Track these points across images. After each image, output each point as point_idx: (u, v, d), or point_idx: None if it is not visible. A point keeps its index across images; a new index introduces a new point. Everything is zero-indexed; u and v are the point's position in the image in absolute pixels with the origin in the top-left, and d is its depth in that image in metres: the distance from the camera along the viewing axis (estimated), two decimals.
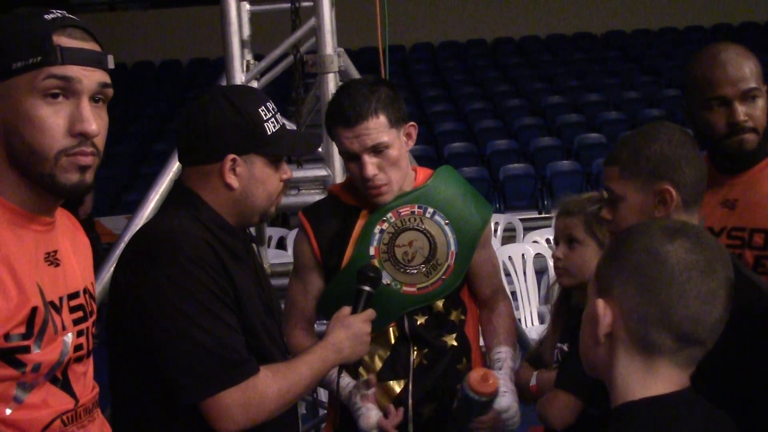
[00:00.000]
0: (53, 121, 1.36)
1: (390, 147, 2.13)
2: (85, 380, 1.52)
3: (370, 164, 2.12)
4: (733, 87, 2.06)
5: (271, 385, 1.70)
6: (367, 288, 2.02)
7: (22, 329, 1.34)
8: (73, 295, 1.50)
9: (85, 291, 1.54)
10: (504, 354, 2.30)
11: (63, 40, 1.37)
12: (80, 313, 1.50)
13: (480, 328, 2.41)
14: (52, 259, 1.46)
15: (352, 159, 2.15)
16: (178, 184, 1.86)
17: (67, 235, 1.55)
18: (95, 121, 1.39)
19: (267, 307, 1.87)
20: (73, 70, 1.37)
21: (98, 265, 3.35)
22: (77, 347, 1.48)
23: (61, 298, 1.46)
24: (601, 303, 1.25)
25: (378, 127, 2.10)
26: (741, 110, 2.05)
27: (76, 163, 1.39)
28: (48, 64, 1.35)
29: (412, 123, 2.21)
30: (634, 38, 14.77)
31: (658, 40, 14.39)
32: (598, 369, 1.30)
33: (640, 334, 1.22)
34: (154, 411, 1.72)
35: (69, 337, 1.45)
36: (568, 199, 2.23)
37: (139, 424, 1.75)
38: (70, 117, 1.37)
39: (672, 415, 1.20)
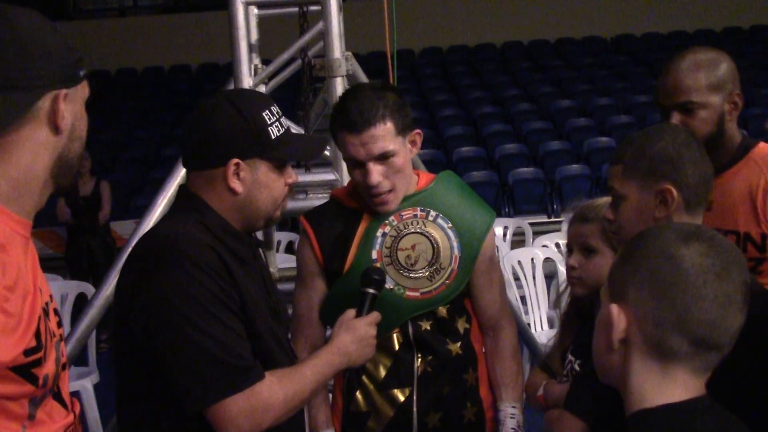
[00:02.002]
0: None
1: (396, 155, 2.11)
2: (67, 386, 1.50)
3: (375, 172, 2.10)
4: (668, 98, 2.12)
5: (276, 391, 1.68)
6: (371, 290, 2.00)
7: (34, 342, 1.33)
8: (51, 299, 1.47)
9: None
10: (502, 414, 2.30)
11: None
12: (57, 318, 1.48)
13: (485, 359, 2.37)
14: (34, 265, 1.44)
15: (356, 165, 2.13)
16: (183, 189, 1.84)
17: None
18: None
19: (274, 312, 1.85)
20: None
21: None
22: (62, 353, 1.46)
23: (47, 303, 1.43)
24: (615, 308, 1.24)
25: (385, 135, 2.08)
26: (676, 120, 2.09)
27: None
28: (86, 76, 1.44)
29: (417, 130, 2.19)
30: (644, 42, 14.73)
31: (668, 44, 14.33)
32: (611, 376, 1.28)
33: (656, 339, 1.20)
34: (161, 417, 1.71)
35: (57, 344, 1.43)
36: (583, 205, 2.15)
37: (145, 430, 1.74)
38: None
39: (689, 423, 1.19)
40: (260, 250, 1.96)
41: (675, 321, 1.19)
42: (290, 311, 2.29)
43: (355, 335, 1.89)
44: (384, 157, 2.10)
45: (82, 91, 1.42)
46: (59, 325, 1.49)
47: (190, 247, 1.66)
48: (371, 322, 1.94)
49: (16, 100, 1.31)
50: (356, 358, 1.90)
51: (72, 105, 1.38)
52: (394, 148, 2.10)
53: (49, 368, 1.37)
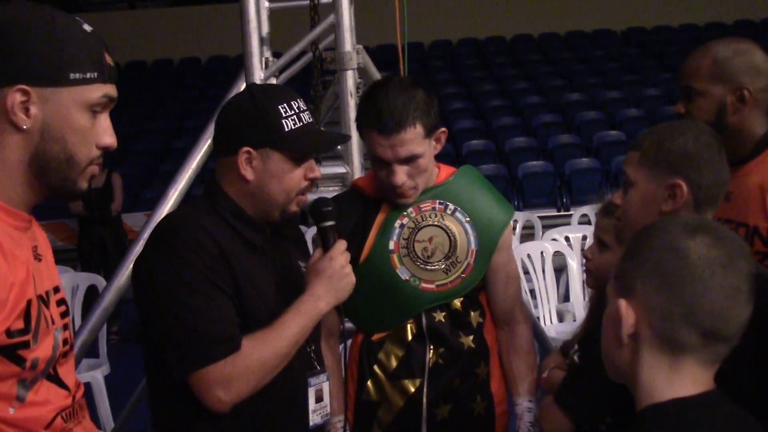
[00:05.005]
0: (92, 133, 1.44)
1: (422, 156, 2.11)
2: (71, 372, 1.53)
3: (401, 172, 2.11)
4: (679, 80, 2.13)
5: (252, 356, 1.73)
6: (329, 223, 1.93)
7: (21, 324, 1.35)
8: (56, 289, 1.51)
9: (61, 287, 1.56)
10: (519, 408, 2.31)
11: (107, 58, 1.44)
12: (64, 307, 1.52)
13: (500, 353, 2.37)
14: (36, 253, 1.47)
15: (382, 164, 2.13)
16: (209, 175, 1.96)
17: (38, 231, 1.55)
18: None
19: (285, 300, 1.86)
20: (114, 90, 1.45)
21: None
22: (64, 341, 1.49)
23: (47, 292, 1.46)
24: (623, 303, 1.24)
25: (414, 138, 2.07)
26: (680, 104, 2.11)
27: (91, 172, 1.47)
28: (101, 81, 1.42)
29: (443, 129, 2.18)
30: (654, 35, 14.67)
31: (679, 37, 14.27)
32: (621, 371, 1.28)
33: (666, 332, 1.21)
34: (173, 388, 1.78)
35: (58, 331, 1.46)
36: (611, 197, 2.13)
37: (166, 402, 1.85)
38: (97, 129, 1.45)
39: (700, 417, 1.19)
40: (285, 240, 1.98)
41: (683, 313, 1.19)
42: None
43: (326, 274, 1.85)
44: (410, 160, 2.10)
45: (76, 95, 1.39)
46: (64, 315, 1.51)
47: (181, 226, 1.77)
48: (336, 254, 1.88)
49: None
50: (337, 294, 1.86)
51: (47, 105, 1.36)
52: (421, 151, 2.10)
53: (41, 352, 1.39)
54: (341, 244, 1.90)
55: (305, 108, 1.87)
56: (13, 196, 1.40)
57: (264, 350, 1.75)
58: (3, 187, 1.38)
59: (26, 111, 1.36)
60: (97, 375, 4.67)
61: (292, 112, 1.83)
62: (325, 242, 1.90)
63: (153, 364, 1.84)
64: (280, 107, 1.82)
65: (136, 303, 1.81)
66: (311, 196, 2.01)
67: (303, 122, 1.85)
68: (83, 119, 1.41)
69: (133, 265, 1.86)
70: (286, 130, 1.81)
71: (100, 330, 4.22)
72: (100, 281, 5.05)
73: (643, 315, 1.22)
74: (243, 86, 3.05)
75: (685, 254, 1.20)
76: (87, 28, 1.43)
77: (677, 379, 1.21)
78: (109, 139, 1.46)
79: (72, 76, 1.37)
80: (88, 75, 1.39)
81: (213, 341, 1.71)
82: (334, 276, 1.85)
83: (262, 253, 1.86)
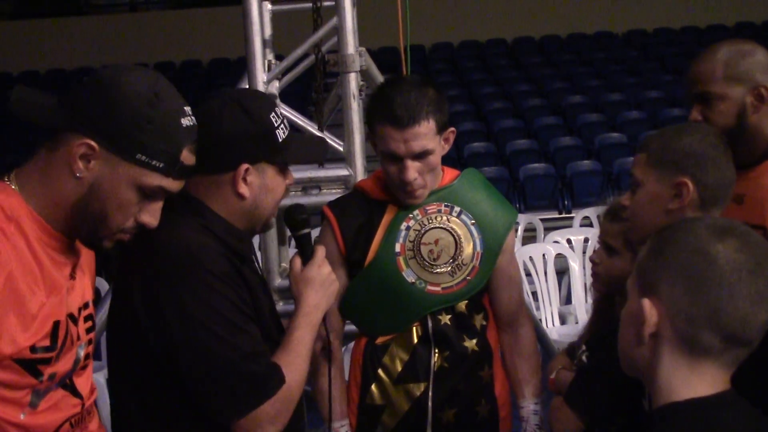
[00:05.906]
0: (134, 209, 1.48)
1: (433, 153, 2.11)
2: (88, 381, 1.58)
3: (413, 168, 2.10)
4: (689, 87, 2.11)
5: (292, 385, 1.68)
6: (305, 231, 1.91)
7: (47, 342, 1.40)
8: (86, 305, 1.55)
9: (91, 301, 1.60)
10: (525, 411, 2.32)
11: (185, 155, 1.48)
12: (90, 323, 1.56)
13: (503, 356, 2.37)
14: (72, 272, 1.51)
15: (392, 159, 2.12)
16: (180, 192, 1.74)
17: (81, 247, 1.58)
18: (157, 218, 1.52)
19: (270, 311, 1.85)
20: (175, 185, 1.50)
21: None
22: (86, 356, 1.54)
23: (79, 309, 1.51)
24: (647, 303, 1.24)
25: (428, 133, 2.08)
26: (696, 111, 2.08)
27: (120, 238, 1.51)
28: (163, 173, 1.46)
29: (452, 129, 2.19)
30: (656, 37, 14.66)
31: (680, 39, 14.27)
32: (638, 369, 1.29)
33: (688, 334, 1.21)
34: (165, 428, 1.69)
35: (82, 347, 1.52)
36: (616, 200, 2.11)
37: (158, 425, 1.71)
38: (142, 206, 1.49)
39: (716, 417, 1.19)
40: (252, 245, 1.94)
41: (708, 317, 1.19)
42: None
43: (317, 283, 1.83)
44: (422, 155, 2.10)
45: (133, 173, 1.43)
46: (89, 330, 1.56)
47: (205, 256, 1.63)
48: (321, 262, 1.87)
49: (54, 115, 1.40)
50: (328, 301, 1.86)
51: (106, 168, 1.42)
52: (432, 147, 2.10)
53: (60, 367, 1.45)
54: (322, 251, 1.89)
55: (282, 113, 1.82)
56: (59, 223, 1.45)
57: (297, 374, 1.70)
58: (50, 213, 1.43)
59: (87, 162, 1.41)
60: (98, 378, 4.66)
61: (280, 120, 1.77)
62: (303, 250, 1.88)
63: (141, 402, 1.69)
64: (271, 117, 1.74)
65: (144, 333, 1.60)
66: (286, 202, 1.98)
67: (288, 129, 1.80)
68: (129, 195, 1.45)
69: (141, 297, 1.61)
70: (279, 141, 1.75)
71: (102, 333, 4.22)
72: (101, 284, 5.05)
73: (666, 315, 1.23)
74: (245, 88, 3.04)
75: (713, 258, 1.20)
76: (185, 122, 1.48)
77: (695, 380, 1.22)
78: (149, 219, 1.50)
79: (138, 156, 1.43)
80: (154, 162, 1.44)
81: (262, 380, 1.62)
82: (325, 283, 1.85)
83: (249, 266, 1.81)
